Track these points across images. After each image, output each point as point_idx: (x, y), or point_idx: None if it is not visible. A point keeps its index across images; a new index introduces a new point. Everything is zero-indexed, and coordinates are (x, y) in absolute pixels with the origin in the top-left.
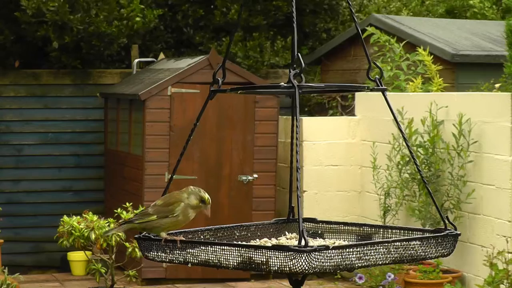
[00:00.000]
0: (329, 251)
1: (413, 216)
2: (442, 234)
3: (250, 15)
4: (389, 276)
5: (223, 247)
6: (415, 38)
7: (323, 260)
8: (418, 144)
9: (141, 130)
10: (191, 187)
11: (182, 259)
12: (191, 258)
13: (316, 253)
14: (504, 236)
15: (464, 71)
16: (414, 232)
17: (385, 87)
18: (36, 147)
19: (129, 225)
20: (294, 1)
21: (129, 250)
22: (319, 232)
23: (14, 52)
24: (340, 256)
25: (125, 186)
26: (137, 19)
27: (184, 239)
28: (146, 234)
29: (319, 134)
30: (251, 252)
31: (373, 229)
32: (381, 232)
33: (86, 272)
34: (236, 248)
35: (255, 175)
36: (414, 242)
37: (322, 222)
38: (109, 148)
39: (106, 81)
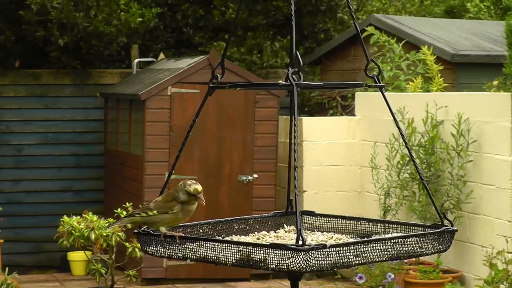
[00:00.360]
0: (326, 249)
1: (413, 216)
2: (438, 230)
3: (250, 15)
4: (389, 276)
5: (222, 243)
6: (415, 38)
7: (320, 258)
8: (418, 144)
9: (141, 130)
10: (180, 183)
11: (181, 254)
12: (190, 254)
13: (314, 252)
14: (504, 236)
15: (464, 71)
16: (412, 227)
17: (383, 84)
18: (36, 147)
19: (131, 219)
20: (293, 0)
21: (129, 250)
22: (318, 225)
23: (14, 52)
24: (337, 254)
25: (125, 186)
26: (136, 17)
27: (183, 235)
28: (146, 229)
29: (319, 134)
30: (249, 249)
31: (371, 223)
32: (379, 227)
33: (86, 272)
34: (235, 245)
35: (255, 175)
36: (410, 239)
37: (321, 215)
38: (109, 148)
39: (106, 81)
